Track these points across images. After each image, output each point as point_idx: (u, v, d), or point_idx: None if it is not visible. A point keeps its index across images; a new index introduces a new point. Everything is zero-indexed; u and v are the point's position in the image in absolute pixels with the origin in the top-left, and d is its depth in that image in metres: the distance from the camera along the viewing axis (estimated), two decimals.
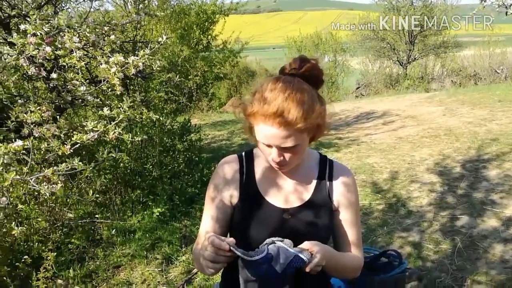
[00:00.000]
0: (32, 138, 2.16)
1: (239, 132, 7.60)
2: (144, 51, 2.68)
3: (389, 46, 17.04)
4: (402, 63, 17.03)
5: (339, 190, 1.23)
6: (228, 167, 1.24)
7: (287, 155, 1.09)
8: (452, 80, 15.85)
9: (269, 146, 1.08)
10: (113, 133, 2.38)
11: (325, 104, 1.16)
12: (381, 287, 1.87)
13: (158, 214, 3.70)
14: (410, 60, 16.97)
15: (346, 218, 1.23)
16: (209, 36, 10.93)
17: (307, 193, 1.21)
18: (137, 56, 2.58)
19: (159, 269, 3.05)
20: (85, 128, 2.33)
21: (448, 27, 15.54)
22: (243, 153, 1.27)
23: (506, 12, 10.08)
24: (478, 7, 10.41)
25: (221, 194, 1.22)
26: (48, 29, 2.31)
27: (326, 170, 1.24)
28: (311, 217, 1.19)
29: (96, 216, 3.64)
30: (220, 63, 11.31)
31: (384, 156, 5.54)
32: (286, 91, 1.03)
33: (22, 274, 2.57)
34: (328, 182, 1.23)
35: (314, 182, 1.22)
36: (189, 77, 10.39)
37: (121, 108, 2.47)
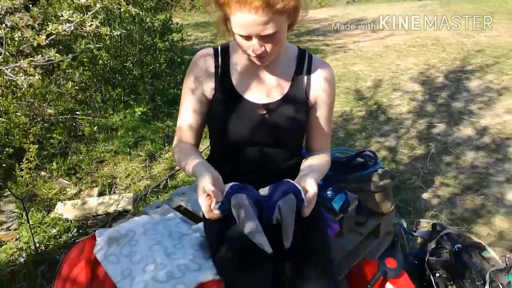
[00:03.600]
0: (4, 26, 2.03)
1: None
2: None
3: None
4: None
5: (316, 86, 1.21)
6: (205, 60, 1.20)
7: (268, 45, 1.04)
8: None
9: (248, 37, 1.02)
10: (90, 25, 2.25)
11: None
12: (355, 183, 1.96)
13: (140, 113, 3.68)
14: None
15: (321, 114, 1.23)
16: None
17: (284, 88, 1.19)
18: None
19: (143, 165, 3.12)
20: (60, 19, 2.20)
21: None
22: (219, 48, 1.22)
23: None
24: None
25: (201, 86, 1.20)
26: None
27: (304, 64, 1.21)
28: (288, 112, 1.18)
29: (77, 112, 3.60)
30: None
31: (370, 64, 5.49)
32: None
33: (4, 165, 2.59)
34: (305, 77, 1.20)
35: (291, 76, 1.20)
36: None
37: None
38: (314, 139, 1.28)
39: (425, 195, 2.64)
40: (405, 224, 2.29)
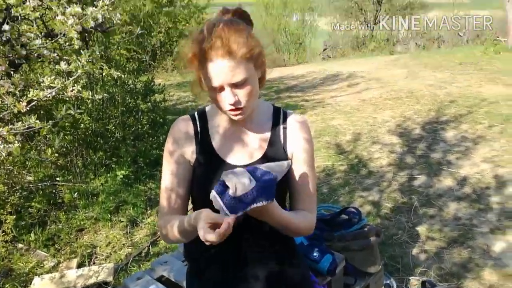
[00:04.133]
0: None
1: (206, 93, 7.48)
2: (103, 1, 2.54)
3: (357, 6, 16.98)
4: (369, 24, 17.07)
5: (293, 141, 1.20)
6: (183, 126, 1.21)
7: (241, 94, 1.05)
8: (416, 43, 16.08)
9: (221, 89, 1.04)
10: (72, 90, 2.27)
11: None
12: (341, 242, 1.94)
13: (122, 176, 3.64)
14: (376, 21, 17.02)
15: (301, 171, 1.22)
16: None
17: (263, 148, 1.19)
18: (96, 7, 2.44)
19: (124, 231, 3.04)
20: (42, 85, 2.21)
21: None
22: (195, 113, 1.24)
23: None
24: None
25: (181, 149, 1.19)
26: None
27: (280, 121, 1.22)
28: None
29: (57, 179, 3.54)
30: (185, 19, 10.91)
31: (348, 118, 5.63)
32: (221, 24, 1.02)
33: None
34: (282, 135, 1.20)
35: (268, 135, 1.20)
36: (152, 34, 10.00)
37: (79, 63, 2.35)
38: (297, 200, 1.25)
39: (412, 251, 2.62)
40: (395, 285, 2.24)
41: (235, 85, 1.03)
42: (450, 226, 2.87)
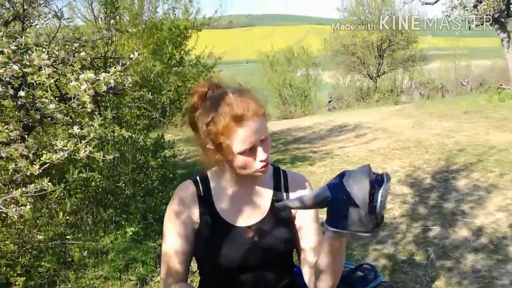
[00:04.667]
0: None
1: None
2: (115, 67, 2.65)
3: (359, 60, 17.45)
4: (372, 76, 17.47)
5: None
6: (189, 189, 1.24)
7: (266, 149, 1.12)
8: (420, 93, 16.35)
9: (252, 149, 1.09)
10: (84, 152, 2.33)
11: None
12: None
13: (131, 233, 3.61)
14: (379, 73, 17.43)
15: (308, 225, 1.22)
16: (182, 51, 10.91)
17: (267, 207, 1.21)
18: (108, 72, 2.55)
19: None
20: (55, 147, 2.27)
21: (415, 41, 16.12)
22: (197, 177, 1.27)
23: (469, 26, 10.54)
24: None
25: (188, 210, 1.21)
26: (16, 47, 2.26)
27: (281, 180, 1.25)
28: (276, 231, 1.19)
29: (67, 237, 3.52)
30: (194, 78, 11.27)
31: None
32: (232, 92, 1.11)
33: None
34: (284, 193, 1.23)
35: (271, 193, 1.23)
36: (162, 92, 10.29)
37: (92, 127, 2.42)
38: (314, 257, 1.24)
39: None
40: None
41: (264, 142, 1.11)
42: (469, 279, 2.77)
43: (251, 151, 1.10)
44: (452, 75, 16.72)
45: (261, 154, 1.10)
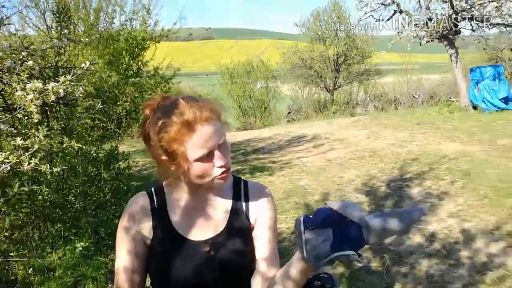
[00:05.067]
0: None
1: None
2: (65, 77, 2.53)
3: (317, 74, 17.86)
4: (329, 89, 17.91)
5: (256, 210, 1.18)
6: (141, 201, 1.16)
7: (225, 155, 1.06)
8: (374, 105, 16.92)
9: (209, 154, 1.02)
10: (28, 164, 2.19)
11: None
12: None
13: (81, 248, 3.43)
14: (336, 86, 17.90)
15: (266, 237, 1.17)
16: (140, 62, 10.71)
17: (225, 219, 1.16)
18: (57, 82, 2.42)
19: None
20: None
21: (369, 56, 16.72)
22: (152, 189, 1.20)
23: (420, 43, 11.05)
24: (396, 38, 11.31)
25: (138, 225, 1.14)
26: None
27: (241, 191, 1.20)
28: (233, 244, 1.13)
29: (11, 254, 3.28)
30: (151, 89, 11.06)
31: (315, 178, 5.68)
32: (183, 99, 1.05)
33: None
34: (244, 204, 1.18)
35: (230, 205, 1.17)
36: (118, 103, 10.03)
37: (36, 138, 2.28)
38: (268, 267, 1.20)
39: None
40: None
41: (220, 147, 1.04)
42: (424, 284, 2.81)
43: (208, 157, 1.03)
44: (405, 89, 17.43)
45: (219, 159, 1.04)
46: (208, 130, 1.01)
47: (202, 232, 1.13)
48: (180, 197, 1.16)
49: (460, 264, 3.02)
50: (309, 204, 4.63)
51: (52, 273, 3.21)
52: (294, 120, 16.50)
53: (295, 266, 0.98)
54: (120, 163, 4.71)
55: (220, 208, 1.16)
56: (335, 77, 17.75)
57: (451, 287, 2.74)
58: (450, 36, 10.46)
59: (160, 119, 1.04)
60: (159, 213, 1.14)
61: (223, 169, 1.05)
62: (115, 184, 4.43)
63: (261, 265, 1.16)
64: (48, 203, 3.78)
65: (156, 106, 1.08)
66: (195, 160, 1.03)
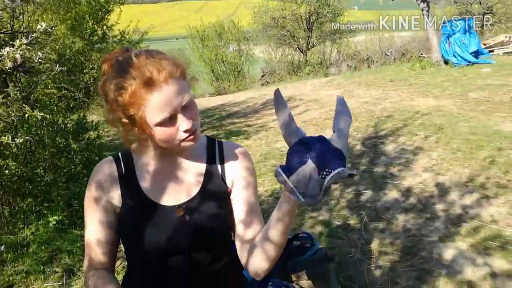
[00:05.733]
0: None
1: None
2: (20, 41, 2.34)
3: (289, 34, 17.56)
4: (302, 50, 17.69)
5: (233, 172, 1.12)
6: (107, 168, 1.08)
7: (192, 117, 0.96)
8: (348, 64, 16.88)
9: (172, 117, 0.93)
10: None
11: None
12: (294, 272, 1.84)
13: (54, 222, 3.33)
14: (309, 47, 17.69)
15: (245, 199, 1.10)
16: (105, 27, 10.24)
17: (199, 182, 1.08)
18: (13, 47, 2.25)
19: (60, 283, 2.74)
20: None
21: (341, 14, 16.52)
22: (119, 153, 1.11)
23: None
24: None
25: (107, 194, 1.06)
26: None
27: (215, 152, 1.12)
28: (208, 208, 1.06)
29: None
30: None
31: None
32: (142, 55, 0.94)
33: None
34: (219, 166, 1.11)
35: (204, 168, 1.10)
36: (85, 70, 9.64)
37: None
38: (245, 230, 1.14)
39: (367, 268, 2.57)
40: None
41: (184, 108, 0.94)
42: (401, 239, 2.87)
43: (171, 121, 0.94)
44: (377, 46, 17.40)
45: (183, 122, 0.94)
46: (169, 90, 0.91)
47: (174, 197, 1.06)
48: (149, 162, 1.08)
49: (436, 217, 3.09)
50: None
51: (25, 249, 3.12)
52: (269, 83, 16.33)
53: (276, 227, 0.93)
54: (90, 133, 4.54)
55: (193, 172, 1.09)
56: (308, 37, 17.50)
57: (428, 240, 2.80)
58: None
59: (115, 78, 0.94)
60: (127, 179, 1.06)
61: (188, 134, 0.97)
62: (86, 155, 4.28)
63: (239, 228, 1.10)
64: (16, 178, 3.62)
65: (114, 61, 0.98)
66: (155, 125, 0.94)
